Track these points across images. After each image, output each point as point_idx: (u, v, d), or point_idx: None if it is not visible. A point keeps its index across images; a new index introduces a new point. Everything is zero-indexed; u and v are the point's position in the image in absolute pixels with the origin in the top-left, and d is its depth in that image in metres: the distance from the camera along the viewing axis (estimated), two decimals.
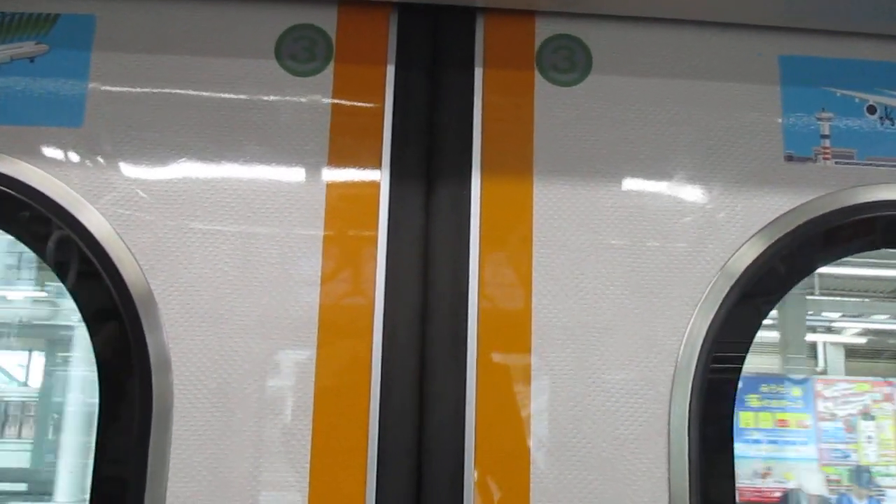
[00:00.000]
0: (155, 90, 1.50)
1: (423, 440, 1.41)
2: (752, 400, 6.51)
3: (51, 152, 1.47)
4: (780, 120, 1.57)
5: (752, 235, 1.52)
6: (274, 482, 1.38)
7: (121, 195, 1.46)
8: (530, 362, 1.44)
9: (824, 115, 1.58)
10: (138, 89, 1.50)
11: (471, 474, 1.39)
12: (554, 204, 1.50)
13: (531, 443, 1.41)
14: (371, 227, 1.47)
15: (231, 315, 1.42)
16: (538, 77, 1.54)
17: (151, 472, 1.35)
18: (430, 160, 1.51)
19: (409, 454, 1.40)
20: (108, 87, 1.50)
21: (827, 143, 1.57)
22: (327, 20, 1.54)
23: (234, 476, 1.38)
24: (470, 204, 1.48)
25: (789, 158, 1.56)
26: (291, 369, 1.41)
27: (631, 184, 1.53)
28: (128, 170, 1.47)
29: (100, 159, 1.47)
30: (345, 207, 1.47)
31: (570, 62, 1.55)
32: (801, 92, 1.58)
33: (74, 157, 1.47)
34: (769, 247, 1.51)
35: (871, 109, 1.59)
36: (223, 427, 1.38)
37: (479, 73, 1.54)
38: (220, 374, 1.40)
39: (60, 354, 9.05)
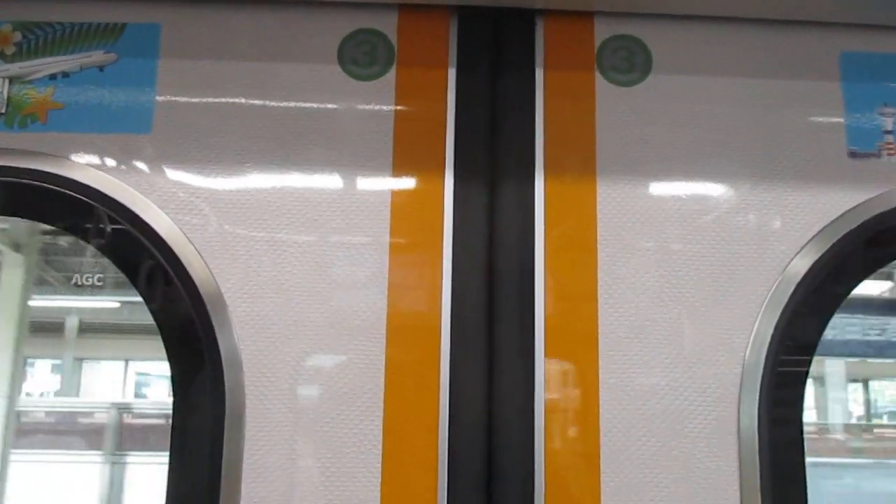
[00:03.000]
0: (220, 97, 1.53)
1: (493, 442, 1.41)
2: None
3: (121, 159, 1.50)
4: (842, 116, 1.56)
5: (817, 233, 1.51)
6: (346, 483, 1.39)
7: (190, 200, 1.48)
8: (598, 363, 1.44)
9: (887, 109, 1.57)
10: (205, 96, 1.52)
11: (541, 475, 1.40)
12: (618, 205, 1.50)
13: (601, 443, 1.41)
14: (436, 230, 1.48)
15: (300, 319, 1.44)
16: (598, 78, 1.55)
17: (226, 472, 1.37)
18: (494, 163, 1.51)
19: (479, 455, 1.41)
20: (176, 95, 1.52)
21: (890, 138, 1.56)
22: (388, 24, 1.56)
23: (306, 476, 1.39)
24: (534, 206, 1.49)
25: (853, 155, 1.55)
26: (361, 372, 1.42)
27: (694, 184, 1.53)
28: (196, 175, 1.49)
29: (169, 165, 1.50)
30: (410, 211, 1.48)
31: (630, 63, 1.56)
32: (862, 88, 1.57)
33: (144, 163, 1.50)
34: (834, 244, 1.50)
35: None
36: (295, 428, 1.40)
37: (539, 74, 1.54)
38: (291, 376, 1.42)
39: None
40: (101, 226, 1.48)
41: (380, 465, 1.39)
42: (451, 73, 1.54)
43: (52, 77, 1.53)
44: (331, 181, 1.50)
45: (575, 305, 1.46)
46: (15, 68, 1.53)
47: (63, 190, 1.48)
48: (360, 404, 1.41)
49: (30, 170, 1.48)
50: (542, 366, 1.43)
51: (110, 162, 1.50)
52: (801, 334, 1.49)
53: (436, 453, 1.39)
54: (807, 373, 1.49)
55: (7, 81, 1.53)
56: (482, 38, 1.56)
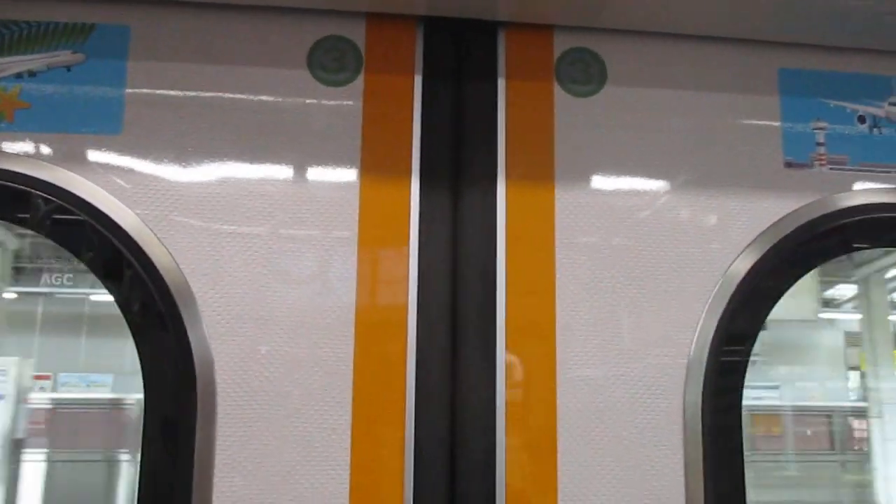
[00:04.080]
0: (191, 98, 1.55)
1: (456, 432, 1.49)
2: None
3: (91, 158, 1.51)
4: (779, 128, 1.68)
5: (756, 237, 1.63)
6: (316, 475, 1.44)
7: (160, 199, 1.51)
8: (555, 357, 1.53)
9: (819, 124, 1.70)
10: (174, 97, 1.55)
11: (502, 461, 1.48)
12: (574, 207, 1.59)
13: (558, 432, 1.50)
14: (403, 230, 1.54)
15: (270, 315, 1.48)
16: (557, 88, 1.63)
17: (198, 467, 1.41)
18: (458, 166, 1.58)
19: (444, 445, 1.48)
20: (145, 95, 1.55)
21: (822, 150, 1.69)
22: (356, 32, 1.61)
23: (278, 470, 1.44)
24: (496, 207, 1.57)
25: (788, 165, 1.67)
26: (330, 366, 1.48)
27: (644, 188, 1.63)
28: (167, 175, 1.52)
29: (139, 165, 1.52)
30: (377, 211, 1.54)
31: (587, 74, 1.65)
32: (798, 102, 1.70)
33: (114, 163, 1.52)
34: (771, 247, 1.63)
35: (862, 119, 1.72)
36: (266, 424, 1.45)
37: (501, 83, 1.62)
38: (261, 372, 1.46)
39: None
40: (70, 226, 1.50)
41: (349, 457, 1.45)
42: (418, 80, 1.60)
43: (19, 76, 1.53)
44: (300, 181, 1.55)
45: (534, 302, 1.55)
46: None
47: (31, 189, 1.49)
48: (330, 398, 1.47)
49: None
50: (504, 359, 1.51)
51: (79, 162, 1.51)
52: (740, 329, 1.61)
53: (402, 444, 1.46)
54: (746, 365, 1.61)
55: None
56: (447, 47, 1.63)
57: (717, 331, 1.58)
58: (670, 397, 1.55)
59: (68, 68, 1.55)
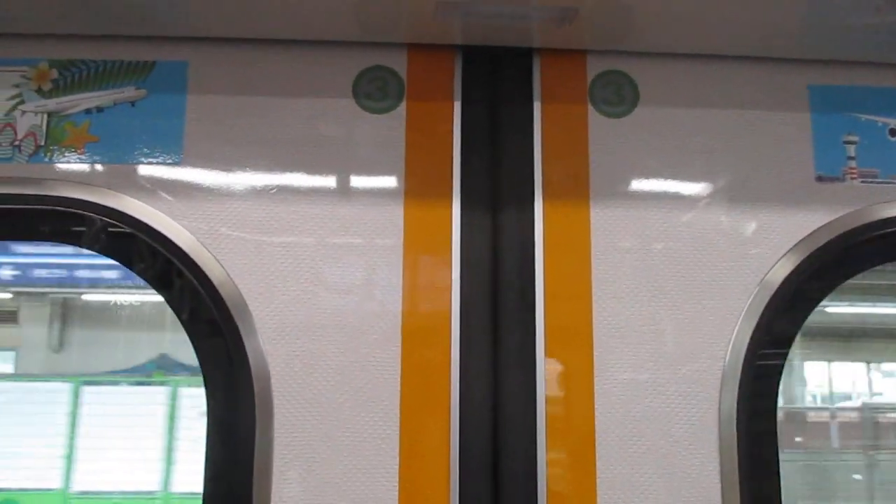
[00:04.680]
0: (244, 127, 1.66)
1: (499, 438, 1.56)
2: None
3: (153, 186, 1.63)
4: (810, 144, 1.73)
5: (789, 250, 1.67)
6: (367, 483, 1.53)
7: (216, 221, 1.62)
8: (593, 363, 1.59)
9: (850, 138, 1.74)
10: (230, 128, 1.66)
11: (543, 471, 1.54)
12: (609, 223, 1.66)
13: (597, 438, 1.56)
14: (445, 245, 1.62)
15: (321, 325, 1.58)
16: (591, 110, 1.70)
17: (257, 474, 1.50)
18: (497, 186, 1.66)
19: (487, 451, 1.55)
20: (203, 126, 1.65)
21: (853, 164, 1.73)
22: (398, 62, 1.70)
23: (331, 476, 1.52)
24: (534, 224, 1.64)
25: (820, 179, 1.71)
26: (378, 375, 1.56)
27: (677, 205, 1.69)
28: (223, 198, 1.63)
29: (198, 190, 1.63)
30: (421, 228, 1.63)
31: (619, 96, 1.71)
32: (828, 118, 1.74)
33: (174, 189, 1.63)
34: (804, 260, 1.67)
35: (893, 132, 1.75)
36: (320, 432, 1.54)
37: (537, 106, 1.69)
38: (314, 381, 1.55)
39: None
40: (135, 249, 1.61)
41: (397, 463, 1.53)
42: (457, 106, 1.69)
43: (88, 111, 1.66)
44: (347, 203, 1.64)
45: (572, 312, 1.62)
46: (52, 104, 1.66)
47: (99, 217, 1.61)
48: (378, 408, 1.55)
49: (70, 199, 1.60)
50: (543, 366, 1.58)
51: (143, 190, 1.62)
52: (775, 338, 1.65)
53: (448, 451, 1.54)
54: (780, 375, 1.65)
55: (46, 116, 1.65)
56: (485, 74, 1.71)
57: (752, 338, 1.62)
58: (706, 404, 1.60)
59: (132, 103, 1.67)
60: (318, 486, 1.52)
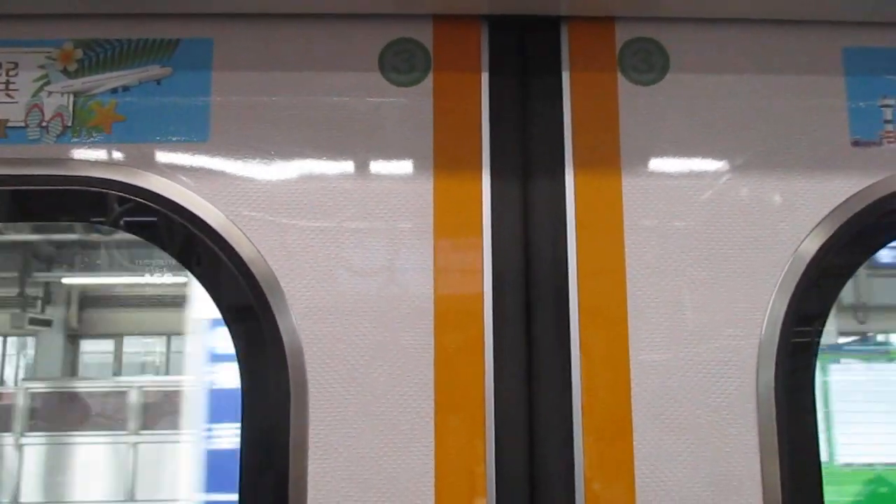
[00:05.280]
0: (271, 103, 1.65)
1: (534, 414, 1.55)
2: None
3: (181, 164, 1.62)
4: (845, 108, 1.69)
5: (825, 217, 1.64)
6: (403, 457, 1.52)
7: (246, 200, 1.61)
8: (628, 339, 1.57)
9: (887, 101, 1.70)
10: (257, 104, 1.64)
11: (579, 441, 1.53)
12: (641, 193, 1.63)
13: (633, 410, 1.55)
14: (476, 220, 1.60)
15: (354, 304, 1.57)
16: (620, 78, 1.67)
17: (293, 450, 1.50)
18: (526, 158, 1.64)
19: (523, 427, 1.54)
20: (230, 104, 1.64)
21: (890, 127, 1.69)
22: (424, 33, 1.67)
23: (367, 452, 1.52)
24: (565, 196, 1.62)
25: (856, 143, 1.68)
26: (412, 353, 1.55)
27: (710, 171, 1.66)
28: (251, 176, 1.62)
29: (226, 168, 1.62)
30: (451, 203, 1.61)
31: (649, 63, 1.68)
32: (863, 80, 1.70)
33: (203, 167, 1.62)
34: (840, 227, 1.64)
35: None
36: (355, 408, 1.53)
37: (566, 76, 1.67)
38: (348, 360, 1.55)
39: None
40: (165, 228, 1.61)
41: (432, 441, 1.52)
42: (484, 77, 1.66)
43: (114, 91, 1.65)
44: (376, 177, 1.63)
45: (605, 286, 1.60)
46: (78, 83, 1.65)
47: (128, 196, 1.60)
48: (413, 383, 1.54)
49: (98, 178, 1.60)
50: (578, 343, 1.57)
51: (171, 168, 1.62)
52: (811, 309, 1.62)
53: (483, 425, 1.53)
54: (818, 344, 1.63)
55: (72, 96, 1.64)
56: (511, 43, 1.68)
57: (788, 310, 1.60)
58: (743, 378, 1.58)
59: (158, 82, 1.66)
60: (354, 460, 1.52)
